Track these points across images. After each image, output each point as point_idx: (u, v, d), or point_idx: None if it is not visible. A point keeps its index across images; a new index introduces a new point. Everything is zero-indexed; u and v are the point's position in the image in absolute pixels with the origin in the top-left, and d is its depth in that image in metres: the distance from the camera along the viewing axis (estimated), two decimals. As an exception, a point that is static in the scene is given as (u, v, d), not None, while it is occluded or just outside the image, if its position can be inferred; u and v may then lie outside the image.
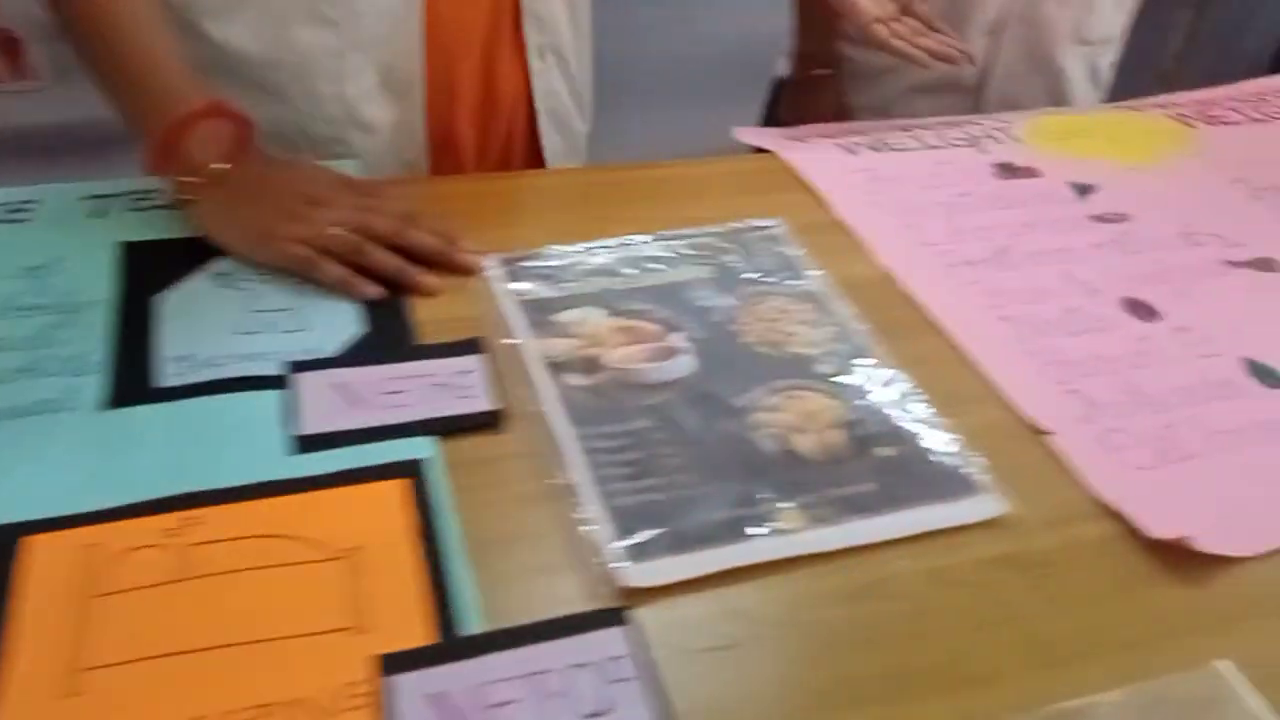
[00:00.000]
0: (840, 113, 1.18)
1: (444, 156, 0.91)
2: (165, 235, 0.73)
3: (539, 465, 0.58)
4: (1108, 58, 1.22)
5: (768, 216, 0.81)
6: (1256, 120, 1.05)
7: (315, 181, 0.72)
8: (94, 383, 0.61)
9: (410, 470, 0.56)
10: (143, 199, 0.77)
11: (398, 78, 0.84)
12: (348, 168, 0.80)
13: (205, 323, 0.66)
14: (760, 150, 0.95)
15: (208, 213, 0.71)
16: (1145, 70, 2.35)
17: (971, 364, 0.69)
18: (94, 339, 0.64)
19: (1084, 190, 0.90)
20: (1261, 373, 0.70)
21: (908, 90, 1.16)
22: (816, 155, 0.92)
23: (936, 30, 0.94)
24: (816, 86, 1.20)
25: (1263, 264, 0.82)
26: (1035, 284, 0.77)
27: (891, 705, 0.48)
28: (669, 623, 0.51)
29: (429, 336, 0.67)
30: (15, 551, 0.50)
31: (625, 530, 0.54)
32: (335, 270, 0.68)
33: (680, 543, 0.54)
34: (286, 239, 0.68)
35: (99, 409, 0.59)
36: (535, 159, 0.96)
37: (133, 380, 0.61)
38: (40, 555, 0.50)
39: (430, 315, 0.69)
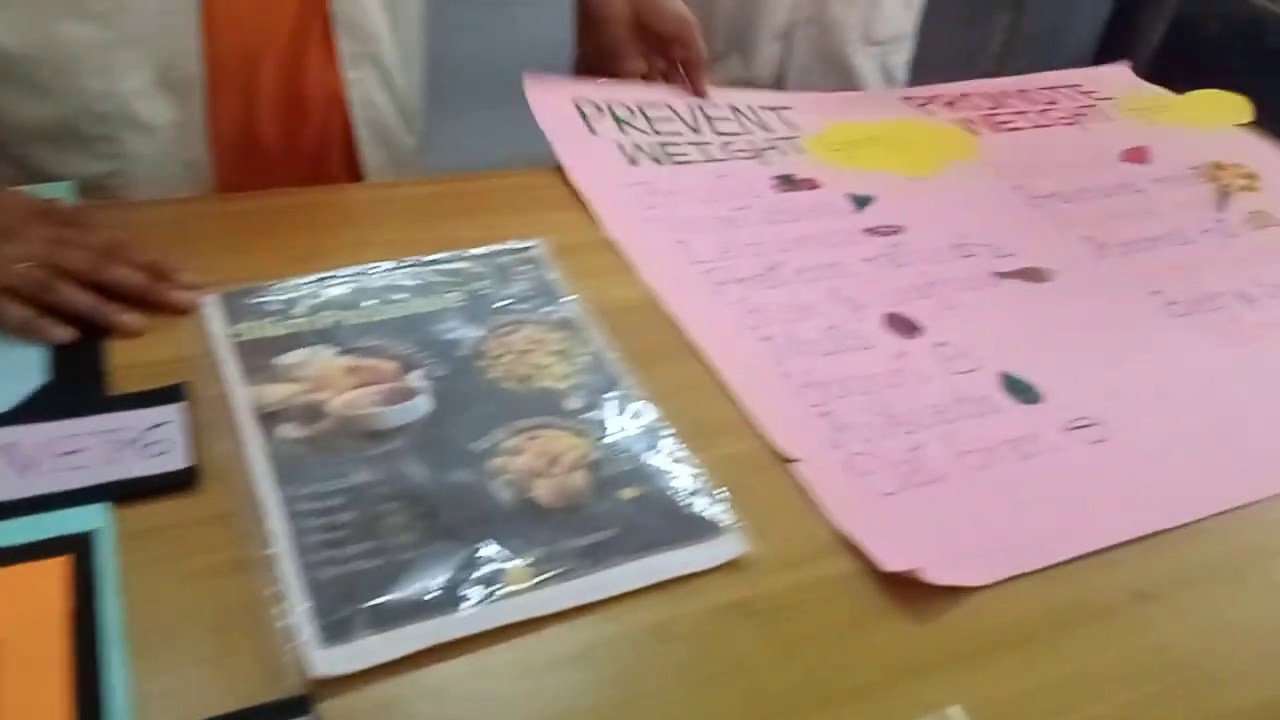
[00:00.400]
0: None
1: (243, 160, 0.85)
2: None
3: (234, 532, 0.53)
4: (900, 56, 1.22)
5: (534, 236, 0.77)
6: (1041, 125, 1.07)
7: (2, 211, 0.64)
8: None
9: (74, 546, 0.50)
10: None
11: (177, 76, 0.78)
12: (58, 191, 0.73)
13: None
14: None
15: None
16: (968, 71, 2.42)
17: (726, 390, 0.67)
18: None
19: (862, 202, 0.89)
20: (1015, 388, 0.70)
21: None
22: (596, 168, 0.88)
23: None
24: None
25: (1031, 274, 0.83)
26: (800, 301, 0.75)
27: (596, 782, 0.45)
28: (360, 711, 0.46)
29: (124, 385, 0.60)
30: None
31: (323, 607, 0.49)
32: (16, 312, 0.61)
33: (385, 619, 0.49)
34: None
35: None
36: (357, 170, 0.91)
37: None
38: None
39: (129, 359, 0.62)
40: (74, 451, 0.55)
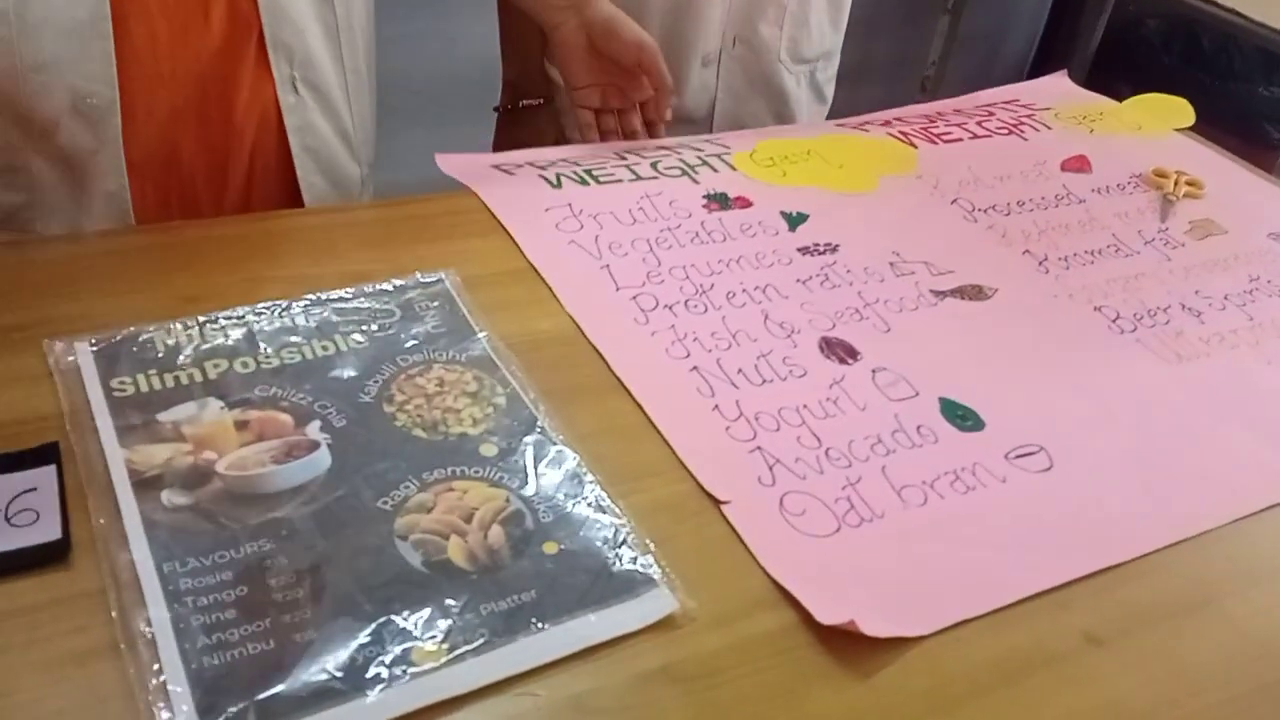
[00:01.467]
0: (559, 145, 1.10)
1: (170, 189, 0.81)
2: None
3: (108, 613, 0.48)
4: (828, 72, 1.20)
5: (447, 267, 0.73)
6: (979, 137, 1.04)
7: None
8: None
9: (-82, 639, 0.45)
10: None
11: (90, 104, 0.74)
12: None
13: None
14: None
15: None
16: (909, 76, 2.41)
17: (654, 428, 0.63)
18: None
19: (796, 220, 0.85)
20: (954, 414, 0.67)
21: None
22: (516, 191, 0.84)
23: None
24: (531, 117, 1.13)
25: (971, 292, 0.80)
26: (731, 327, 0.72)
27: None
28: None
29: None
30: None
31: (207, 702, 0.44)
32: None
33: (279, 712, 0.45)
34: None
35: None
36: (297, 200, 0.87)
37: None
38: None
39: (18, 405, 0.57)
40: (-75, 528, 0.50)
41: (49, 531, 0.51)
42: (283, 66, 0.81)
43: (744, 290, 0.76)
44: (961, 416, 0.67)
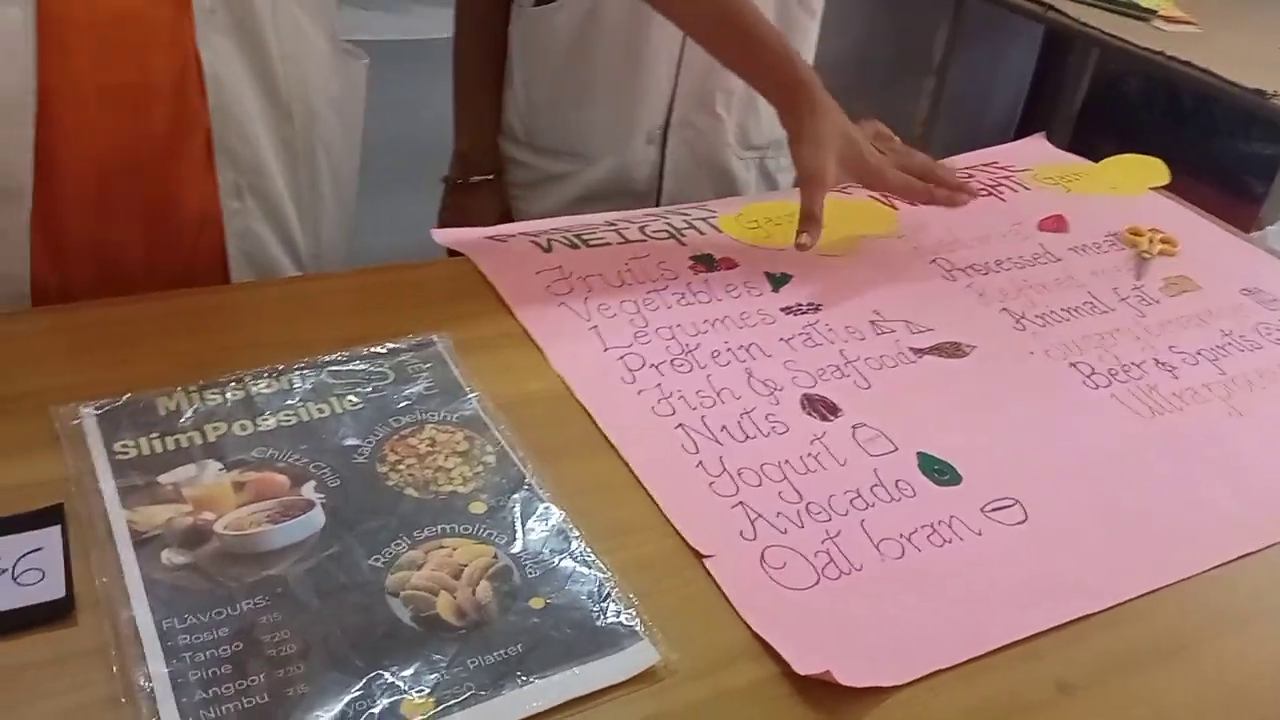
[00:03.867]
0: (505, 220, 1.14)
1: (96, 273, 0.81)
2: None
3: (110, 668, 0.49)
4: (779, 161, 1.22)
5: (440, 330, 0.75)
6: (956, 197, 1.07)
7: None
8: None
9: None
10: None
11: (3, 185, 0.75)
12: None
13: None
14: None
15: None
16: (897, 136, 2.46)
17: (639, 484, 0.65)
18: None
19: (779, 281, 0.88)
20: (932, 469, 0.69)
21: (579, 198, 1.14)
22: (507, 256, 0.87)
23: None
24: (480, 191, 1.16)
25: (949, 349, 0.82)
26: (716, 385, 0.74)
27: None
28: None
29: (1, 505, 0.57)
30: None
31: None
32: None
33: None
34: None
35: None
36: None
37: None
38: None
39: (8, 479, 0.59)
40: (-67, 587, 0.51)
41: (54, 590, 0.52)
42: (228, 173, 0.82)
43: (728, 349, 0.78)
44: (939, 471, 0.69)
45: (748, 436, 0.69)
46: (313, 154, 0.88)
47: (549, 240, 0.90)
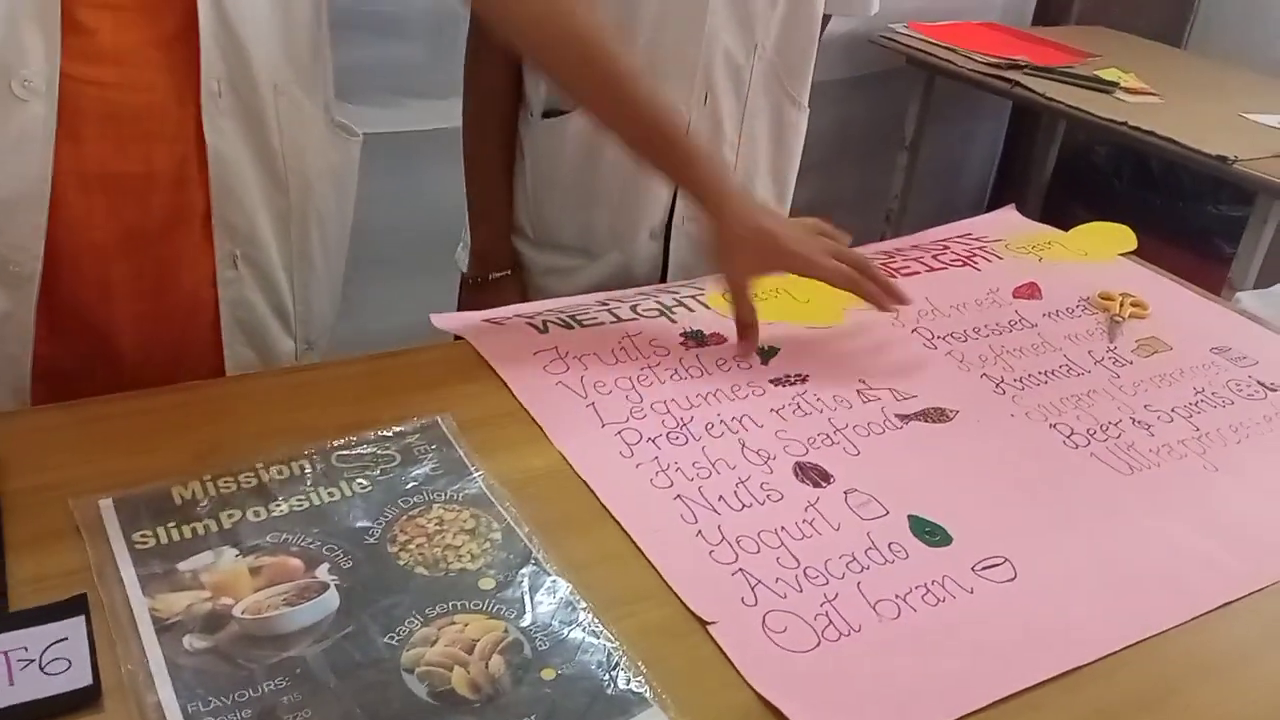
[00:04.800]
0: None
1: (92, 349, 0.84)
2: None
3: (134, 750, 0.51)
4: None
5: (442, 411, 0.78)
6: (934, 269, 1.12)
7: None
8: None
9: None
10: None
11: (12, 270, 0.78)
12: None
13: None
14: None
15: None
16: (873, 210, 2.53)
17: (641, 555, 0.67)
18: None
19: (768, 354, 0.91)
20: (923, 531, 0.71)
21: (586, 290, 1.17)
22: (505, 338, 0.91)
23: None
24: (497, 286, 1.20)
25: (934, 415, 0.85)
26: (711, 456, 0.77)
27: None
28: None
29: (27, 597, 0.59)
30: None
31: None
32: None
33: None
34: None
35: None
36: (220, 368, 0.91)
37: None
38: None
39: (32, 571, 0.61)
40: (-36, 678, 0.53)
41: (81, 679, 0.54)
42: (225, 244, 0.85)
43: (721, 421, 0.81)
44: (930, 532, 0.71)
45: (744, 505, 0.72)
46: (306, 224, 0.92)
47: (544, 321, 0.94)
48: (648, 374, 0.87)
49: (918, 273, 1.10)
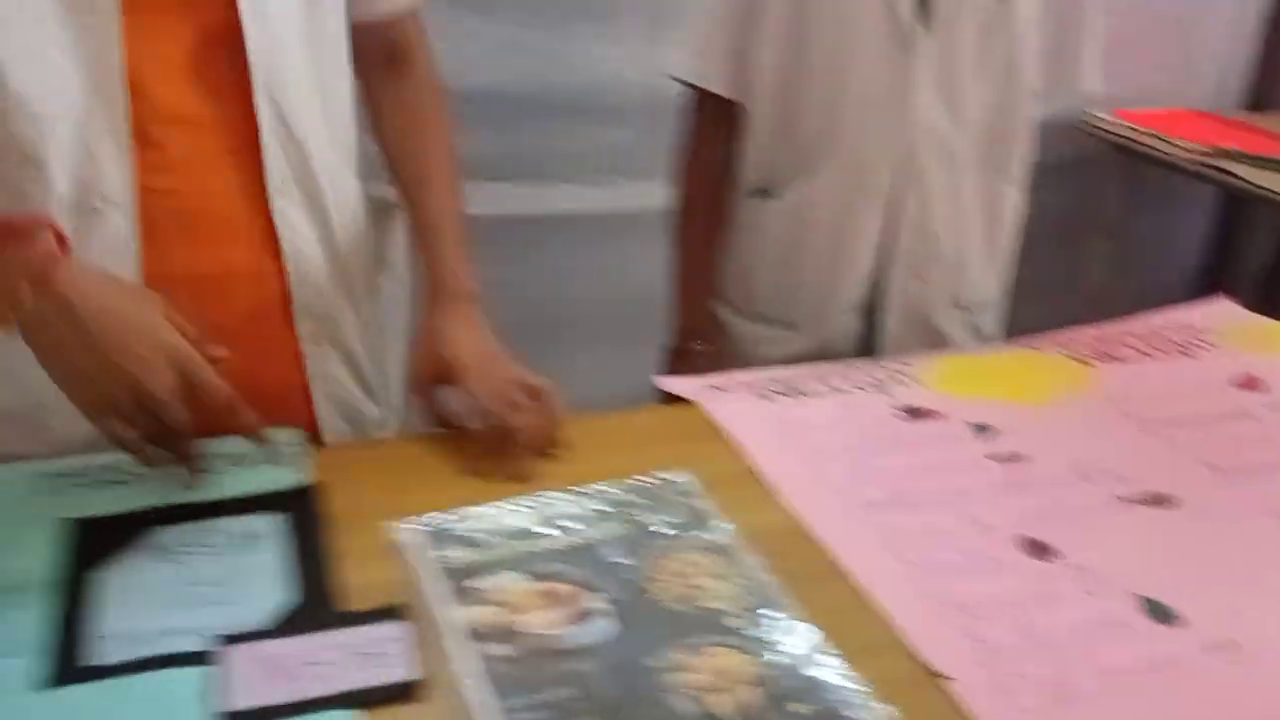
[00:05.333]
0: None
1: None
2: (110, 510, 0.77)
3: (456, 736, 0.61)
4: (989, 317, 1.31)
5: (681, 467, 0.86)
6: (1147, 355, 1.14)
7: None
8: (26, 664, 0.63)
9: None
10: (80, 477, 0.82)
11: None
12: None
13: (140, 597, 0.69)
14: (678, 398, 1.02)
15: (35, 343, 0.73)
16: (1072, 296, 2.50)
17: (876, 611, 0.73)
18: (29, 620, 0.67)
19: (983, 430, 0.96)
20: (1155, 610, 0.74)
21: (786, 360, 1.24)
22: (732, 403, 0.99)
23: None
24: (698, 358, 1.29)
25: (1154, 499, 0.88)
26: (934, 526, 0.82)
27: None
28: None
29: (355, 602, 0.70)
30: None
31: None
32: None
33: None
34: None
35: (31, 690, 0.61)
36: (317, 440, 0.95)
37: (65, 660, 0.64)
38: None
39: (358, 580, 0.72)
40: (319, 663, 0.64)
41: (404, 673, 0.64)
42: (305, 324, 0.92)
43: (942, 493, 0.86)
44: (1160, 612, 0.74)
45: (970, 572, 0.77)
46: (375, 295, 1.02)
47: (768, 390, 1.02)
48: (868, 445, 0.93)
49: (1130, 360, 1.12)
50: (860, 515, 0.83)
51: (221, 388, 0.77)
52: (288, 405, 0.94)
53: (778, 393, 1.01)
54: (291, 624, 0.68)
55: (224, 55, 0.83)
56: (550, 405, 0.90)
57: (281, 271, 0.90)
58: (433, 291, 0.96)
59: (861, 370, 1.08)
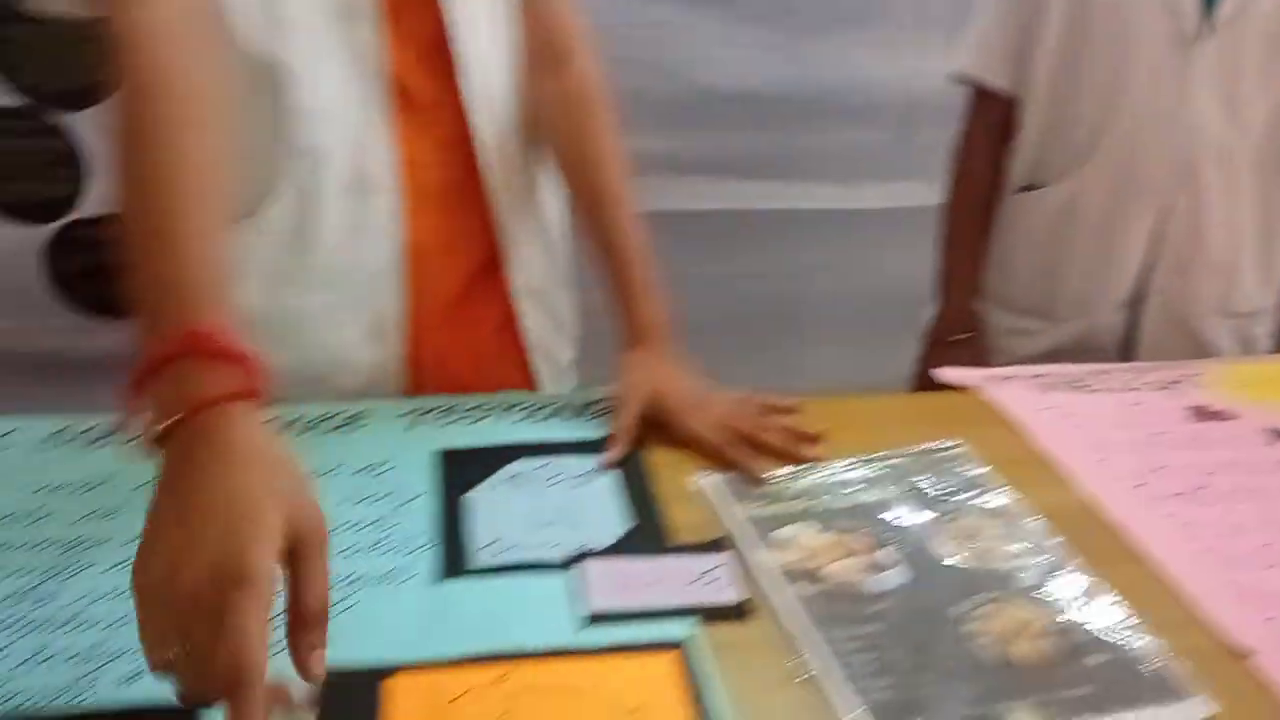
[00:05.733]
0: None
1: (428, 389, 1.01)
2: (471, 445, 0.91)
3: (783, 656, 0.69)
4: (1262, 328, 1.28)
5: (964, 441, 0.92)
6: None
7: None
8: (425, 559, 0.76)
9: (677, 646, 0.68)
10: (448, 413, 0.96)
11: (382, 327, 0.97)
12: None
13: (504, 517, 0.82)
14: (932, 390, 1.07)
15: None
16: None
17: (1170, 589, 0.76)
18: (422, 525, 0.80)
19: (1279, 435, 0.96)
20: None
21: (1046, 354, 1.25)
22: (1014, 391, 1.03)
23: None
24: (958, 347, 1.32)
25: None
26: (1233, 520, 0.83)
27: None
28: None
29: (679, 538, 0.80)
30: (379, 690, 0.64)
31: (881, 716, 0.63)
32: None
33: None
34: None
35: (431, 581, 0.74)
36: (524, 386, 1.06)
37: (454, 560, 0.76)
38: (397, 692, 0.64)
39: (677, 523, 0.82)
40: (659, 581, 0.74)
41: (734, 596, 0.73)
42: (515, 277, 1.02)
43: (1237, 491, 0.87)
44: None
45: (1274, 565, 0.78)
46: (566, 240, 1.09)
47: (1045, 383, 1.05)
48: (1158, 439, 0.95)
49: None
50: (1151, 504, 0.85)
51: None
52: (500, 353, 1.04)
53: (1060, 387, 1.04)
54: (632, 547, 0.78)
55: (439, 55, 0.94)
56: (790, 413, 0.94)
57: (490, 235, 1.00)
58: (628, 331, 0.99)
59: (1145, 370, 1.09)
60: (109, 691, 0.64)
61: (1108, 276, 1.25)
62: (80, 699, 0.63)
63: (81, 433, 0.90)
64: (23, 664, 0.66)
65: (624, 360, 0.97)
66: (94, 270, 1.85)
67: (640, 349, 0.98)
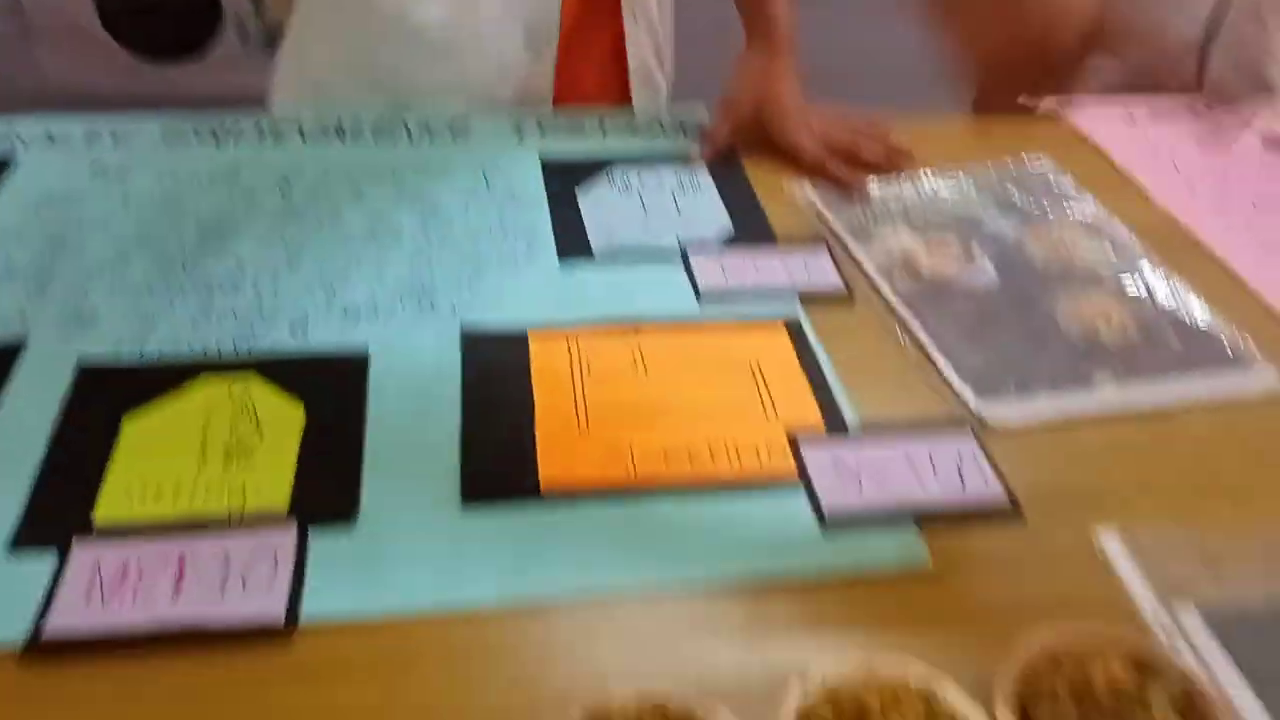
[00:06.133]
0: None
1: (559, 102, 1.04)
2: (567, 155, 0.94)
3: (883, 335, 0.74)
4: None
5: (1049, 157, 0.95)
6: None
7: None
8: (543, 246, 0.81)
9: (788, 319, 0.74)
10: (556, 126, 0.99)
11: (538, 36, 0.99)
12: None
13: (615, 216, 0.86)
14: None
15: None
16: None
17: (1246, 288, 0.81)
18: (540, 219, 0.85)
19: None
20: None
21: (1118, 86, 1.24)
22: (1095, 118, 1.05)
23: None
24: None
25: None
26: (1308, 243, 0.87)
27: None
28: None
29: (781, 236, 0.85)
30: (527, 344, 0.70)
31: (977, 380, 0.70)
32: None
33: (1026, 393, 0.69)
34: None
35: (554, 264, 0.79)
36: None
37: (573, 248, 0.81)
38: (539, 349, 0.70)
39: (778, 226, 0.86)
40: (765, 268, 0.79)
41: (837, 285, 0.79)
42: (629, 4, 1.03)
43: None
44: None
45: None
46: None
47: (1122, 112, 1.06)
48: (1240, 167, 0.98)
49: None
50: (1231, 220, 0.89)
51: None
52: (607, 73, 1.06)
53: (1139, 117, 1.05)
54: (741, 241, 0.83)
55: None
56: (885, 130, 0.96)
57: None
58: (749, 30, 0.99)
59: (1218, 103, 1.10)
60: (274, 343, 0.70)
61: (1177, 17, 1.23)
62: (250, 348, 0.69)
63: (195, 132, 0.93)
64: (190, 319, 0.71)
65: (738, 62, 0.98)
66: (139, 9, 1.82)
67: (756, 51, 0.98)
